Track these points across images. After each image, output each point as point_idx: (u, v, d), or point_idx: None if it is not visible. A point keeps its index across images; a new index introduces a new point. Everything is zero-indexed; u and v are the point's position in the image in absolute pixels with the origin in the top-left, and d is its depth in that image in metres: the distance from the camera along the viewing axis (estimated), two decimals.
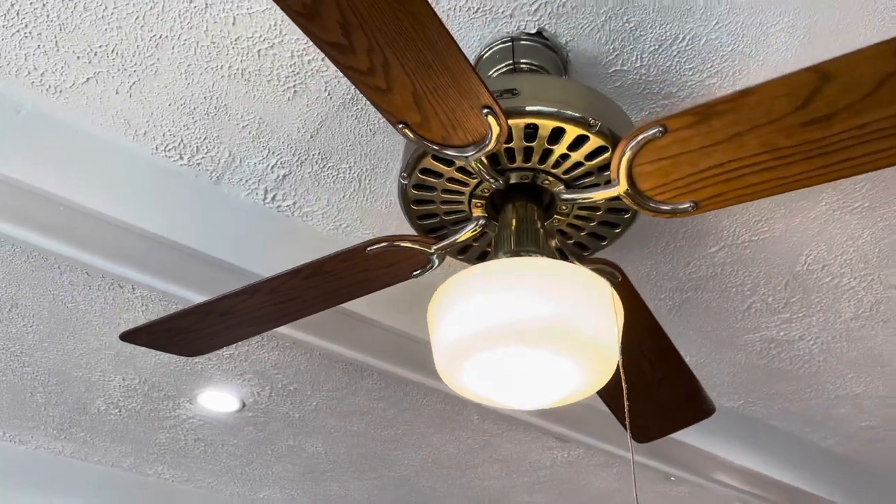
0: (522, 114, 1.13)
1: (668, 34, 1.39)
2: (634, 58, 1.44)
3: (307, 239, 1.89)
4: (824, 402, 2.56)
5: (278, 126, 1.62)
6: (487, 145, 1.10)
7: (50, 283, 2.09)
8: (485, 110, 1.04)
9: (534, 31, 1.39)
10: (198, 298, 1.85)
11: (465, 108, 1.05)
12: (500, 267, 1.05)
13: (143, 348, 2.37)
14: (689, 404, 1.71)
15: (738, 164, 1.10)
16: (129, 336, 1.52)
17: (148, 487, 3.30)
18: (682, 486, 3.10)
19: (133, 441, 2.97)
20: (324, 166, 1.71)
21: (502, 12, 1.36)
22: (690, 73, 1.47)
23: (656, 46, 1.42)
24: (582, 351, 1.02)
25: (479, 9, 1.36)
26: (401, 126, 1.10)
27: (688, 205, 1.17)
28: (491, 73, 1.40)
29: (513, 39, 1.39)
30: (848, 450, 2.88)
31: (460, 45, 1.41)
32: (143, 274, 1.82)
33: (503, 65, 1.39)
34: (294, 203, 1.82)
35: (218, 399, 2.66)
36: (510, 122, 1.13)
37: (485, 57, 1.42)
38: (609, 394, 1.60)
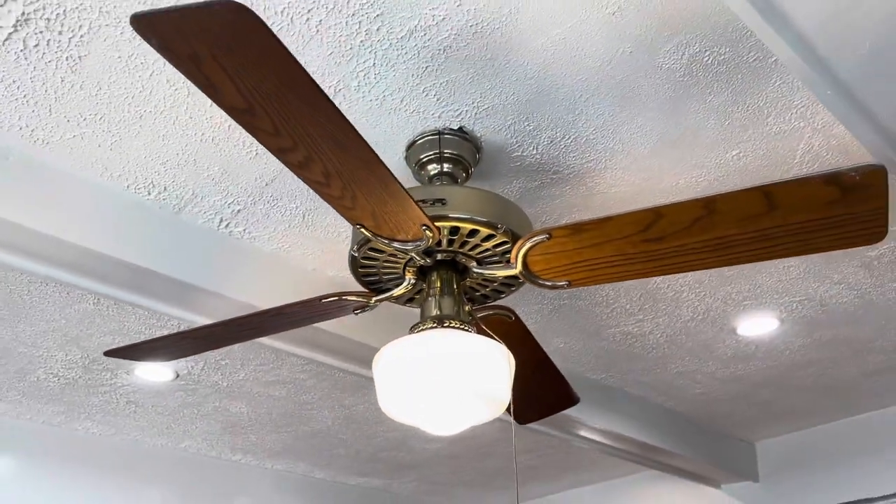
0: (449, 219, 1.53)
1: (557, 134, 1.81)
2: (532, 148, 1.85)
3: (251, 256, 2.22)
4: (668, 376, 3.18)
5: (238, 176, 1.93)
6: (423, 244, 1.49)
7: (9, 280, 2.33)
8: (423, 226, 1.44)
9: (456, 127, 1.76)
10: (147, 303, 2.14)
11: (409, 224, 1.43)
12: (436, 337, 1.47)
13: (90, 331, 2.64)
14: (559, 398, 2.22)
15: (598, 261, 1.55)
16: (113, 353, 1.84)
17: (76, 441, 3.58)
18: (552, 439, 3.70)
19: (67, 403, 3.24)
20: (274, 205, 2.04)
21: (432, 114, 1.73)
22: (573, 159, 1.89)
23: (549, 142, 1.83)
24: (490, 399, 1.47)
25: (414, 110, 1.72)
26: (358, 226, 1.47)
27: (563, 283, 1.62)
28: (422, 157, 1.78)
29: (440, 133, 1.77)
30: (684, 410, 3.55)
31: (399, 133, 1.78)
32: (101, 285, 2.08)
33: (431, 152, 1.77)
34: (244, 230, 2.14)
35: (154, 371, 2.97)
36: (440, 224, 1.53)
37: (416, 143, 1.79)
38: None
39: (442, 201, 1.53)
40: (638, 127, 1.81)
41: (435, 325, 1.55)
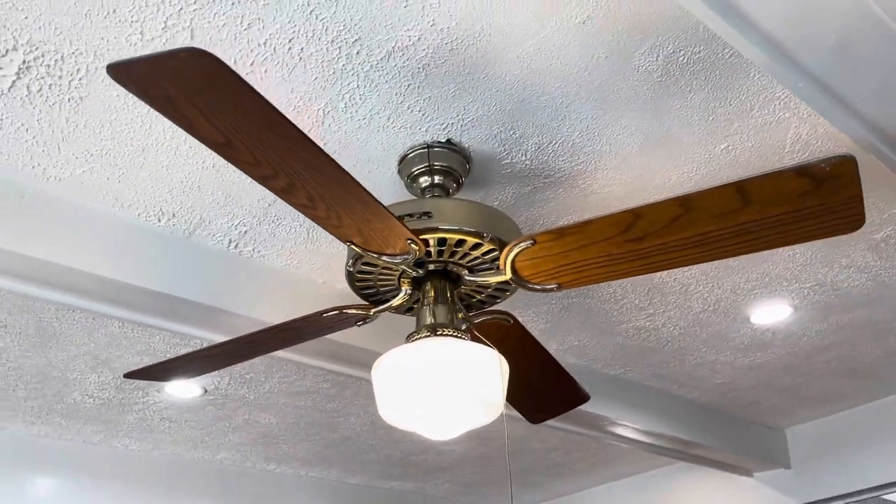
0: (435, 230, 1.58)
1: (544, 140, 1.85)
2: (521, 155, 1.89)
3: (263, 274, 2.30)
4: (687, 367, 3.18)
5: (242, 199, 2.01)
6: (411, 257, 1.55)
7: (37, 309, 2.45)
8: (409, 240, 1.49)
9: (444, 140, 1.82)
10: (168, 326, 2.24)
11: (395, 239, 1.49)
12: (429, 345, 1.53)
13: (118, 353, 2.76)
14: (568, 397, 2.25)
15: (584, 263, 1.59)
16: (133, 375, 1.93)
17: (116, 458, 3.72)
18: (579, 436, 3.73)
19: (104, 422, 3.37)
20: (278, 224, 2.12)
21: (419, 128, 1.79)
22: (563, 163, 1.93)
23: (536, 148, 1.87)
24: (484, 403, 1.52)
25: (402, 126, 1.78)
26: (348, 243, 1.53)
27: (553, 286, 1.66)
28: (413, 170, 1.84)
29: (428, 146, 1.82)
30: (709, 401, 3.55)
31: (390, 149, 1.84)
32: (122, 310, 2.18)
33: (422, 165, 1.83)
34: (253, 249, 2.22)
35: (183, 388, 3.08)
36: (427, 236, 1.59)
37: (408, 157, 1.85)
38: (510, 398, 2.12)
39: (428, 214, 1.59)
40: (623, 128, 1.84)
41: (429, 333, 1.60)
